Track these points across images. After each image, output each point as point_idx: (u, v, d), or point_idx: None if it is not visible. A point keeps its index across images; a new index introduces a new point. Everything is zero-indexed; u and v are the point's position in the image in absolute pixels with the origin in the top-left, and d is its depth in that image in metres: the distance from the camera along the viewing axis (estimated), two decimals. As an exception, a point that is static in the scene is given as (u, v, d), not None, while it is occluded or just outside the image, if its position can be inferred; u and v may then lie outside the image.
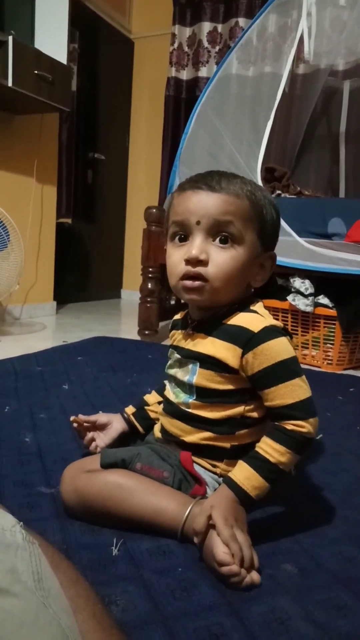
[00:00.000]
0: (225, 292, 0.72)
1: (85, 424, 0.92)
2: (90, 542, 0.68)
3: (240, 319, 0.72)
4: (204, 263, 0.70)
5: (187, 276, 0.71)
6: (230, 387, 0.72)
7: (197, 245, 0.70)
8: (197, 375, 0.74)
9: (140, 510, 0.69)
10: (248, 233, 0.71)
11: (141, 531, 0.70)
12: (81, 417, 0.92)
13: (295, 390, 0.67)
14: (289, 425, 0.67)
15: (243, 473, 0.67)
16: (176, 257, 0.73)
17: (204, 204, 0.70)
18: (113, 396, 1.38)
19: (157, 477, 0.73)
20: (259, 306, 0.75)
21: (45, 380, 1.49)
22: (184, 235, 0.73)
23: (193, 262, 0.70)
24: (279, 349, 0.69)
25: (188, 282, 0.71)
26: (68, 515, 0.74)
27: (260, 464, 0.67)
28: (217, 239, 0.70)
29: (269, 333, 0.69)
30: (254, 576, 0.60)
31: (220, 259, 0.70)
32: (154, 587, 0.60)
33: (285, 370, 0.68)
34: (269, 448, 0.67)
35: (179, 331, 0.81)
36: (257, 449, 0.68)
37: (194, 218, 0.70)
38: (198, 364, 0.74)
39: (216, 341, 0.73)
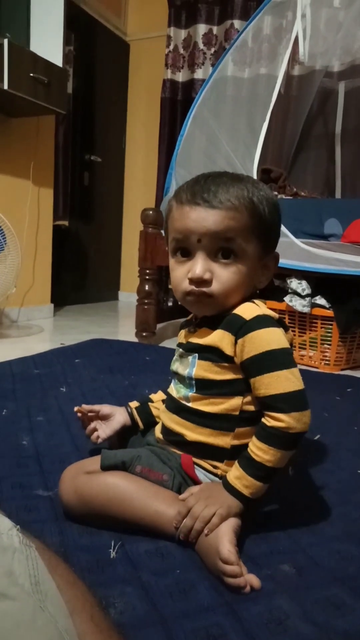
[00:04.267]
0: (230, 301, 0.73)
1: (89, 414, 0.92)
2: (88, 545, 0.68)
3: (237, 309, 0.73)
4: (207, 282, 0.71)
5: (192, 294, 0.73)
6: (227, 377, 0.73)
7: (200, 265, 0.71)
8: (196, 367, 0.75)
9: (140, 513, 0.69)
10: (250, 245, 0.72)
11: (139, 533, 0.70)
12: (85, 406, 0.93)
13: (281, 382, 0.67)
14: (269, 420, 0.67)
15: (234, 472, 0.69)
16: (179, 273, 0.74)
17: (204, 221, 0.70)
18: (111, 398, 1.38)
19: (156, 479, 0.73)
20: (259, 300, 0.76)
21: (42, 383, 1.49)
22: (186, 251, 0.73)
23: (197, 282, 0.71)
24: (269, 338, 0.69)
25: (192, 298, 0.73)
26: (66, 517, 0.74)
27: (248, 463, 0.68)
28: (220, 256, 0.71)
29: (260, 322, 0.70)
30: (253, 580, 0.61)
31: (224, 276, 0.71)
32: (152, 588, 0.60)
33: (273, 360, 0.68)
34: (253, 446, 0.69)
35: (185, 329, 0.83)
36: (248, 448, 0.70)
37: (195, 237, 0.71)
38: (197, 355, 0.75)
39: (213, 331, 0.74)
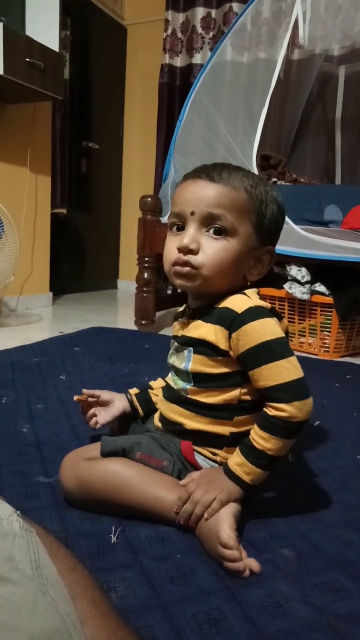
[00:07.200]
0: (216, 281, 0.73)
1: (89, 399, 0.93)
2: (88, 530, 0.69)
3: (228, 301, 0.73)
4: (194, 252, 0.71)
5: (177, 263, 0.73)
6: (223, 370, 0.73)
7: (189, 234, 0.72)
8: (192, 361, 0.75)
9: (141, 499, 0.69)
10: (242, 225, 0.72)
11: (140, 519, 0.70)
12: (85, 391, 0.93)
13: (279, 372, 0.67)
14: (271, 410, 0.68)
15: (235, 459, 0.70)
16: (171, 245, 0.75)
17: (199, 194, 0.71)
18: (110, 386, 1.38)
19: (156, 466, 0.74)
20: (251, 290, 0.75)
21: (42, 371, 1.49)
22: (181, 225, 0.74)
23: (184, 250, 0.72)
24: (263, 330, 0.69)
25: (178, 268, 0.73)
26: (67, 503, 0.75)
27: (249, 451, 0.69)
28: (211, 230, 0.72)
29: (252, 313, 0.70)
30: (253, 564, 0.61)
31: (211, 249, 0.71)
32: (153, 573, 0.60)
33: (269, 351, 0.68)
34: (255, 435, 0.69)
35: (178, 321, 0.82)
36: (249, 436, 0.70)
37: (189, 209, 0.72)
38: (192, 349, 0.75)
39: (205, 325, 0.74)
